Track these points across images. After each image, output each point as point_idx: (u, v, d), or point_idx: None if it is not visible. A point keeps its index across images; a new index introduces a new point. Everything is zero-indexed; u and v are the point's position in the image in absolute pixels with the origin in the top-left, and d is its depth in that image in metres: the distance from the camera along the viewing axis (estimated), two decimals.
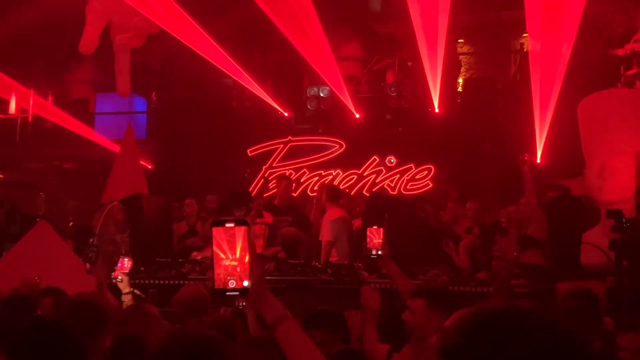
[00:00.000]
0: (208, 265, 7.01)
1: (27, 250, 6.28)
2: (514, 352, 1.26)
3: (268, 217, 8.62)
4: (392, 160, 11.56)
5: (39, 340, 2.58)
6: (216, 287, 1.93)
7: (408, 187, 11.46)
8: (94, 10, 10.00)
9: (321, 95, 11.34)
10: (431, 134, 11.37)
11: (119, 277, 5.25)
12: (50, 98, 10.82)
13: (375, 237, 4.05)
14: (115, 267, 5.33)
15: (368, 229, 4.12)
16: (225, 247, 1.91)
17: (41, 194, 13.21)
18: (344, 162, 11.79)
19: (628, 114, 7.81)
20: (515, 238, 6.96)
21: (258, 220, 8.23)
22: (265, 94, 11.54)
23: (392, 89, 11.52)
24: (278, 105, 11.72)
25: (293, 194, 9.83)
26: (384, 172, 11.62)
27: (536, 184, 8.28)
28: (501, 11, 12.91)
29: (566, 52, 9.20)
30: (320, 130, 12.09)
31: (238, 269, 1.91)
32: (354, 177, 11.70)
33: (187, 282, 7.46)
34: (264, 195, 11.05)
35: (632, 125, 7.68)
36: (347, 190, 10.99)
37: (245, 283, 1.92)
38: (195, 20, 10.13)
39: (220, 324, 3.66)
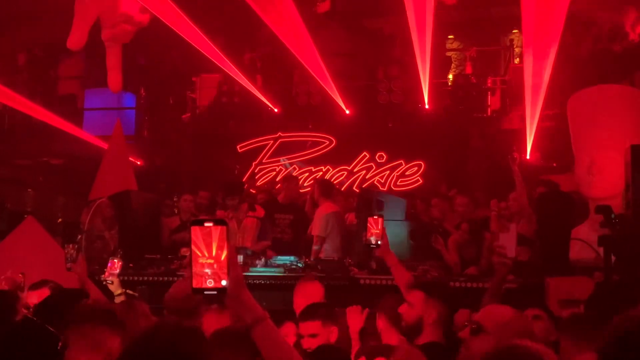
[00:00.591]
0: (186, 263, 7.01)
1: (14, 246, 6.24)
2: None
3: (260, 211, 8.59)
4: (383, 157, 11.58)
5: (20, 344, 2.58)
6: (194, 286, 1.93)
7: (398, 183, 11.47)
8: (82, 6, 9.93)
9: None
10: (421, 130, 11.38)
11: (109, 279, 5.21)
12: None
13: (374, 226, 4.06)
14: (104, 268, 5.29)
15: (368, 218, 4.14)
16: (202, 246, 1.91)
17: (29, 190, 13.14)
18: (334, 158, 11.78)
19: (617, 109, 7.82)
20: (516, 234, 6.96)
21: (250, 213, 8.21)
22: (255, 90, 11.52)
23: (382, 84, 11.52)
24: (268, 101, 11.70)
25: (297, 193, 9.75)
26: (374, 168, 11.62)
27: (525, 179, 8.30)
28: (491, 8, 12.93)
29: (555, 48, 9.22)
30: (310, 126, 12.08)
31: (215, 265, 1.91)
32: (344, 173, 11.70)
33: (176, 278, 7.45)
34: (251, 190, 11.07)
35: (621, 121, 7.70)
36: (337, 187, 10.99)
37: (224, 282, 1.92)
38: (185, 14, 10.08)
39: None
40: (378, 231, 4.06)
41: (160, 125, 12.76)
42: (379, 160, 11.63)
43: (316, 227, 8.08)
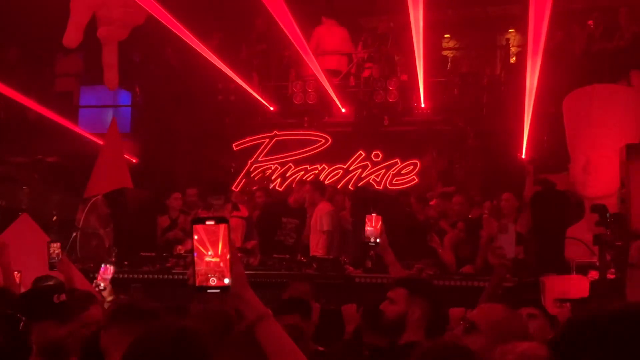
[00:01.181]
0: (189, 262, 6.98)
1: (8, 244, 6.21)
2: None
3: (244, 211, 8.59)
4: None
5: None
6: (197, 284, 1.92)
7: (394, 182, 11.47)
8: (78, 3, 9.90)
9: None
10: (417, 129, 11.39)
11: (101, 285, 5.17)
12: None
13: (373, 224, 4.06)
14: (99, 267, 5.26)
15: (367, 216, 4.14)
16: (207, 244, 1.90)
17: (24, 187, 13.09)
18: (329, 156, 11.77)
19: (612, 108, 7.85)
20: (515, 235, 6.98)
21: (235, 213, 8.21)
22: (251, 88, 11.50)
23: (378, 83, 11.51)
24: (264, 99, 11.68)
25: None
26: (370, 166, 11.62)
27: (521, 178, 8.33)
28: (487, 7, 12.95)
29: (550, 47, 9.23)
30: (306, 125, 12.07)
31: (217, 264, 1.90)
32: (339, 172, 11.69)
33: (171, 276, 7.45)
34: (247, 189, 11.06)
35: (616, 120, 7.72)
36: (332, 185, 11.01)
37: (226, 281, 1.91)
38: (181, 12, 10.05)
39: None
40: (377, 229, 4.06)
41: (155, 123, 12.72)
42: (374, 159, 11.62)
43: (326, 223, 8.07)
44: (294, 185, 10.41)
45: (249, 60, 12.28)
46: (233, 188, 11.52)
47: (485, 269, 6.97)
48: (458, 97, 11.83)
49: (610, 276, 5.58)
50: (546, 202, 6.81)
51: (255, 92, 11.58)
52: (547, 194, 7.13)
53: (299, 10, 9.86)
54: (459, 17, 13.16)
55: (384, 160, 11.57)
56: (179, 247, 8.10)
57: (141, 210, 8.49)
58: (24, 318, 2.76)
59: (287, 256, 7.76)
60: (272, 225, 8.54)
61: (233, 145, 12.11)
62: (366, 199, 8.21)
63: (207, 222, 1.91)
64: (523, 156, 9.65)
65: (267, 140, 12.05)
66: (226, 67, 10.96)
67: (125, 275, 7.34)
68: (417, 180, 11.33)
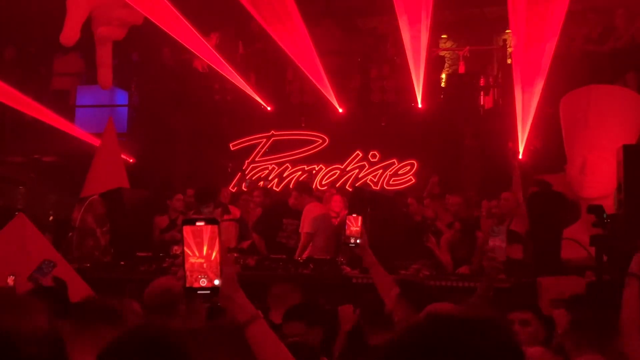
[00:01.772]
0: (178, 263, 6.97)
1: (4, 243, 6.20)
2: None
3: (235, 212, 8.58)
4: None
5: None
6: (187, 285, 1.92)
7: (391, 182, 11.47)
8: (75, 1, 9.89)
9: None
10: (414, 129, 11.38)
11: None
12: None
13: (354, 225, 4.04)
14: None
15: (347, 217, 4.11)
16: (194, 246, 1.91)
17: (20, 187, 13.09)
18: (326, 156, 11.76)
19: (609, 109, 7.86)
20: (506, 236, 6.95)
21: (226, 217, 8.22)
22: (248, 88, 11.49)
23: (375, 83, 11.53)
24: (261, 99, 11.67)
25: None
26: (367, 167, 11.62)
27: (520, 178, 8.33)
28: (484, 7, 12.95)
29: (548, 48, 9.23)
30: (303, 125, 12.06)
31: (207, 265, 1.90)
32: (336, 172, 11.68)
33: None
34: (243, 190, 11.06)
35: (612, 121, 7.73)
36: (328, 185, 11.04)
37: (217, 282, 1.91)
38: (178, 12, 10.04)
39: None
40: (357, 229, 4.04)
41: (152, 123, 12.70)
42: (371, 159, 11.62)
43: (305, 225, 8.09)
44: (291, 187, 10.43)
45: (246, 59, 12.28)
46: (230, 188, 11.52)
47: (482, 270, 6.97)
48: (455, 97, 11.84)
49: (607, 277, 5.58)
50: (543, 203, 6.81)
51: (253, 91, 11.57)
52: (543, 195, 7.13)
53: (295, 10, 9.87)
54: (456, 17, 13.15)
55: (381, 160, 11.57)
56: (176, 247, 8.09)
57: (138, 210, 8.47)
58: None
59: (284, 256, 7.75)
60: (273, 227, 8.53)
61: (230, 145, 12.09)
62: (363, 200, 8.20)
63: (197, 223, 1.91)
64: (520, 157, 9.65)
65: (264, 140, 12.03)
66: (223, 66, 10.96)
67: (122, 276, 7.33)
68: (414, 180, 11.33)
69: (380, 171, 11.55)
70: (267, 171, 11.95)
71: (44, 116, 11.47)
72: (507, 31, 13.09)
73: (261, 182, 11.72)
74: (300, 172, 11.71)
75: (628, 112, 7.94)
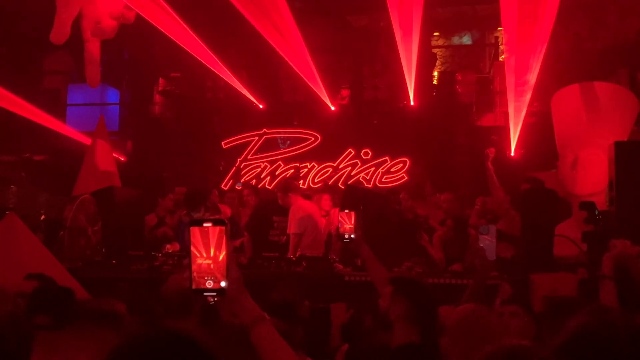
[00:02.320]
0: (182, 259, 6.95)
1: None
2: None
3: (226, 211, 8.56)
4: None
5: None
6: (193, 287, 1.92)
7: (383, 179, 11.47)
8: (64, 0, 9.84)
9: None
10: (406, 127, 11.39)
11: None
12: None
13: (347, 221, 4.05)
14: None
15: (340, 213, 4.13)
16: (201, 247, 1.91)
17: (12, 186, 13.01)
18: (319, 154, 11.76)
19: (601, 106, 7.88)
20: (496, 235, 6.97)
21: (216, 217, 8.17)
22: (240, 86, 11.46)
23: (367, 81, 11.53)
24: (253, 97, 11.65)
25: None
26: (360, 164, 11.61)
27: (510, 176, 8.32)
28: (476, 5, 12.96)
29: (540, 45, 9.24)
30: (295, 123, 12.05)
31: (212, 266, 1.90)
32: (329, 170, 11.68)
33: (159, 275, 7.39)
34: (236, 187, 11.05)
35: (604, 118, 7.75)
36: (321, 183, 11.03)
37: (223, 284, 1.91)
38: (170, 9, 10.01)
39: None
40: (351, 225, 4.05)
41: (143, 121, 12.66)
42: (364, 157, 11.62)
43: (292, 226, 8.10)
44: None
45: (238, 58, 12.24)
46: (222, 186, 11.50)
47: (474, 268, 6.98)
48: (447, 95, 11.85)
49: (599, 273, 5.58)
50: (535, 200, 6.82)
51: (245, 89, 11.54)
52: (536, 192, 7.13)
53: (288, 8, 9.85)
54: (448, 15, 13.16)
55: (374, 158, 11.57)
56: (168, 245, 8.06)
57: (129, 208, 8.42)
58: None
59: (277, 254, 7.73)
60: (264, 225, 8.51)
61: (222, 143, 12.07)
62: (356, 197, 8.19)
63: (205, 224, 1.91)
64: (512, 154, 9.66)
65: (257, 138, 12.02)
66: (215, 65, 10.92)
67: (114, 274, 7.29)
68: (406, 178, 11.33)
69: (373, 169, 11.56)
70: (260, 169, 11.93)
71: (35, 115, 11.41)
72: (499, 29, 13.12)
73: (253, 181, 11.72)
74: (292, 170, 11.71)
75: (619, 109, 7.95)
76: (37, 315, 2.95)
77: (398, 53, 10.44)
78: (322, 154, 11.73)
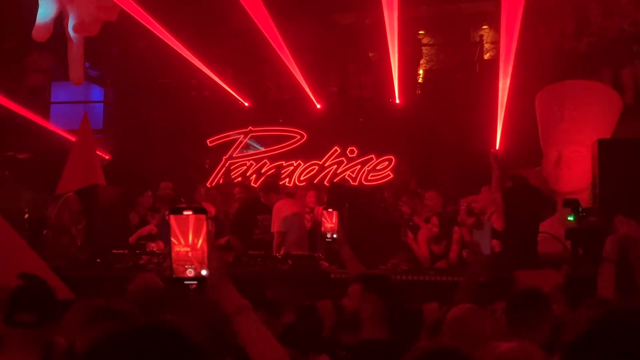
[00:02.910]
0: (166, 255, 6.93)
1: None
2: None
3: (210, 209, 8.54)
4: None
5: None
6: (174, 275, 1.90)
7: (369, 177, 11.48)
8: None
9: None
10: (392, 125, 11.40)
11: None
12: None
13: (329, 220, 4.04)
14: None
15: (323, 212, 4.11)
16: (181, 235, 1.89)
17: None
18: (305, 152, 11.74)
19: (584, 104, 7.94)
20: (490, 231, 7.00)
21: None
22: (225, 84, 11.42)
23: (353, 79, 11.53)
24: (238, 94, 11.62)
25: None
26: (345, 162, 11.62)
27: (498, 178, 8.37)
28: (461, 3, 12.99)
29: (523, 43, 9.29)
30: (281, 121, 12.03)
31: (190, 254, 1.88)
32: (315, 168, 11.67)
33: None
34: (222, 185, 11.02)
35: (587, 116, 7.81)
36: (306, 181, 11.03)
37: (204, 272, 1.89)
38: (154, 7, 9.96)
39: None
40: (332, 225, 4.04)
41: (128, 119, 12.60)
42: (350, 155, 11.63)
43: (276, 224, 8.10)
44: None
45: (223, 55, 12.21)
46: (207, 184, 11.46)
47: (459, 264, 7.01)
48: (432, 93, 11.88)
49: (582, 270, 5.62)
50: (519, 197, 6.86)
51: (230, 87, 11.51)
52: (520, 189, 7.17)
53: (273, 5, 9.82)
54: (433, 13, 13.19)
55: (360, 156, 11.58)
56: (152, 244, 8.03)
57: (114, 207, 8.40)
58: None
59: (262, 252, 7.73)
60: (249, 224, 8.51)
61: (207, 141, 12.03)
62: (341, 195, 8.20)
63: (185, 213, 1.89)
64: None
65: (242, 136, 11.99)
66: (200, 63, 10.88)
67: (98, 273, 7.26)
68: (392, 176, 11.35)
69: (359, 167, 11.56)
70: (245, 167, 11.91)
71: (19, 112, 11.33)
72: (483, 27, 13.17)
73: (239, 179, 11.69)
74: (273, 170, 11.68)
75: (603, 106, 8.02)
76: (19, 313, 2.92)
77: (383, 51, 10.46)
78: (308, 152, 11.72)
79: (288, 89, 11.63)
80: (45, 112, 12.32)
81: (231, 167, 11.96)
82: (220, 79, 11.33)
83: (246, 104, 11.79)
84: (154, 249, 7.79)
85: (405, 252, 7.41)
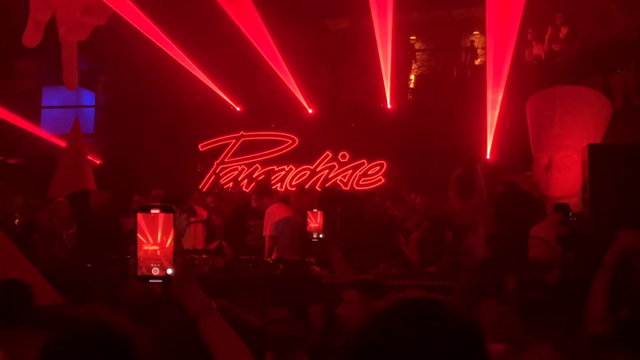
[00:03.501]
0: (131, 251, 6.87)
1: None
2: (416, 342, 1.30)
3: (202, 214, 8.52)
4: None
5: None
6: (139, 274, 1.87)
7: (360, 182, 11.50)
8: (37, 2, 9.74)
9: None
10: (383, 130, 11.43)
11: None
12: None
13: (313, 221, 4.03)
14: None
15: (308, 212, 4.10)
16: (147, 233, 1.86)
17: None
18: (296, 157, 11.75)
19: (574, 110, 7.97)
20: (485, 235, 7.01)
21: (193, 219, 8.16)
22: (217, 88, 11.42)
23: (345, 84, 11.55)
24: (230, 99, 11.61)
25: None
26: (337, 167, 11.63)
27: (486, 179, 8.38)
28: (452, 9, 13.06)
29: (515, 50, 9.35)
30: (273, 125, 12.03)
31: (158, 253, 1.86)
32: (306, 173, 11.68)
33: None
34: (215, 191, 10.98)
35: (577, 121, 7.84)
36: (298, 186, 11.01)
37: (169, 271, 1.87)
38: (146, 12, 9.95)
39: None
40: (317, 225, 4.04)
41: (119, 124, 12.57)
42: (341, 160, 11.64)
43: (268, 229, 8.09)
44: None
45: (215, 60, 12.20)
46: (199, 188, 11.45)
47: (451, 269, 7.02)
48: (424, 98, 11.92)
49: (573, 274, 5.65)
50: (510, 202, 6.88)
51: (222, 92, 11.51)
52: (510, 194, 7.20)
53: (265, 11, 9.84)
54: (424, 19, 13.25)
55: (351, 160, 11.60)
56: None
57: (105, 212, 8.36)
58: None
59: (254, 257, 7.71)
60: (241, 231, 8.48)
61: (199, 146, 12.02)
62: (333, 200, 8.20)
63: (152, 211, 1.87)
64: (488, 157, 9.74)
65: (234, 141, 11.98)
66: (192, 67, 10.88)
67: (89, 278, 7.22)
68: (383, 180, 11.37)
69: (350, 171, 11.58)
70: (237, 172, 11.90)
71: (9, 117, 11.29)
72: (474, 32, 13.23)
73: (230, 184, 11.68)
74: (263, 176, 11.67)
75: (593, 112, 8.05)
76: None
77: (375, 56, 10.50)
78: (300, 156, 11.73)
79: (280, 94, 11.64)
80: (35, 117, 12.28)
81: (221, 173, 11.95)
82: (212, 83, 11.32)
83: (238, 109, 11.79)
84: None
85: (397, 256, 7.40)
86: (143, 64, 12.25)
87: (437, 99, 11.83)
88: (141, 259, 1.86)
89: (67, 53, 9.99)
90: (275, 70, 10.99)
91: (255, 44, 10.65)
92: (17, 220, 10.93)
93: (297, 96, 11.19)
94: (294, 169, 11.72)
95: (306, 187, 11.05)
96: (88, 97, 13.21)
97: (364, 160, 11.53)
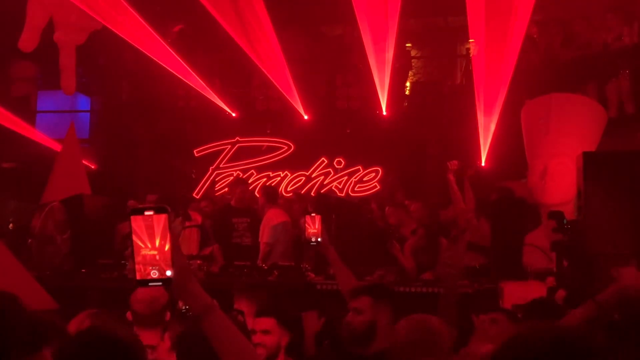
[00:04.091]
0: (128, 255, 6.89)
1: None
2: None
3: (197, 218, 8.52)
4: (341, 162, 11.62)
5: None
6: (137, 277, 1.85)
7: (356, 188, 11.51)
8: (34, 7, 9.74)
9: None
10: (379, 137, 11.44)
11: None
12: None
13: (312, 225, 4.06)
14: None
15: (306, 216, 4.13)
16: (144, 236, 1.84)
17: None
18: (292, 163, 11.76)
19: (569, 117, 7.98)
20: (465, 246, 7.03)
21: (187, 223, 8.16)
22: (213, 94, 11.42)
23: (340, 91, 11.57)
24: (226, 105, 11.62)
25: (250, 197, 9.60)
26: (332, 173, 11.64)
27: (480, 186, 8.41)
28: (448, 17, 13.09)
29: (510, 56, 9.37)
30: (268, 131, 12.04)
31: (157, 257, 1.84)
32: (302, 179, 11.69)
33: (129, 284, 7.31)
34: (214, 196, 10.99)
35: (572, 129, 7.85)
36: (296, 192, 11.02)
37: (169, 273, 1.85)
38: (141, 17, 9.95)
39: None
40: (315, 230, 4.07)
41: (115, 129, 12.55)
42: (337, 166, 11.65)
43: (265, 235, 8.09)
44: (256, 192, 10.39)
45: (210, 65, 12.21)
46: (194, 194, 11.44)
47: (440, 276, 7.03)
48: (419, 105, 11.94)
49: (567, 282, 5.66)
50: (504, 210, 6.89)
51: (217, 98, 11.51)
52: (505, 202, 7.21)
53: (261, 17, 9.85)
54: (420, 26, 13.28)
55: (347, 167, 11.61)
56: None
57: (99, 216, 8.34)
58: None
59: (248, 263, 7.71)
60: (226, 230, 8.49)
61: (194, 151, 12.02)
62: (328, 206, 8.21)
63: (146, 213, 1.84)
64: (482, 164, 9.76)
65: (229, 146, 11.98)
66: (188, 73, 10.88)
67: (83, 284, 7.21)
68: (379, 187, 11.38)
69: (346, 178, 11.59)
70: (232, 178, 11.89)
71: (4, 121, 11.25)
72: (470, 40, 13.26)
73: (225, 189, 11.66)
74: (265, 179, 11.68)
75: (588, 119, 8.07)
76: None
77: (371, 63, 10.51)
78: (295, 162, 11.74)
79: (276, 100, 11.64)
80: (31, 121, 12.25)
81: (217, 178, 11.94)
82: (208, 89, 11.33)
83: (233, 115, 11.79)
84: None
85: (392, 263, 7.41)
86: (139, 69, 12.24)
87: (433, 106, 11.86)
88: (140, 264, 1.84)
89: (65, 58, 9.99)
90: (271, 76, 10.99)
91: (250, 50, 10.66)
92: (11, 225, 10.90)
93: (293, 102, 11.19)
94: (290, 175, 11.72)
95: (302, 193, 11.06)
96: (83, 102, 13.19)
97: (360, 167, 11.55)
